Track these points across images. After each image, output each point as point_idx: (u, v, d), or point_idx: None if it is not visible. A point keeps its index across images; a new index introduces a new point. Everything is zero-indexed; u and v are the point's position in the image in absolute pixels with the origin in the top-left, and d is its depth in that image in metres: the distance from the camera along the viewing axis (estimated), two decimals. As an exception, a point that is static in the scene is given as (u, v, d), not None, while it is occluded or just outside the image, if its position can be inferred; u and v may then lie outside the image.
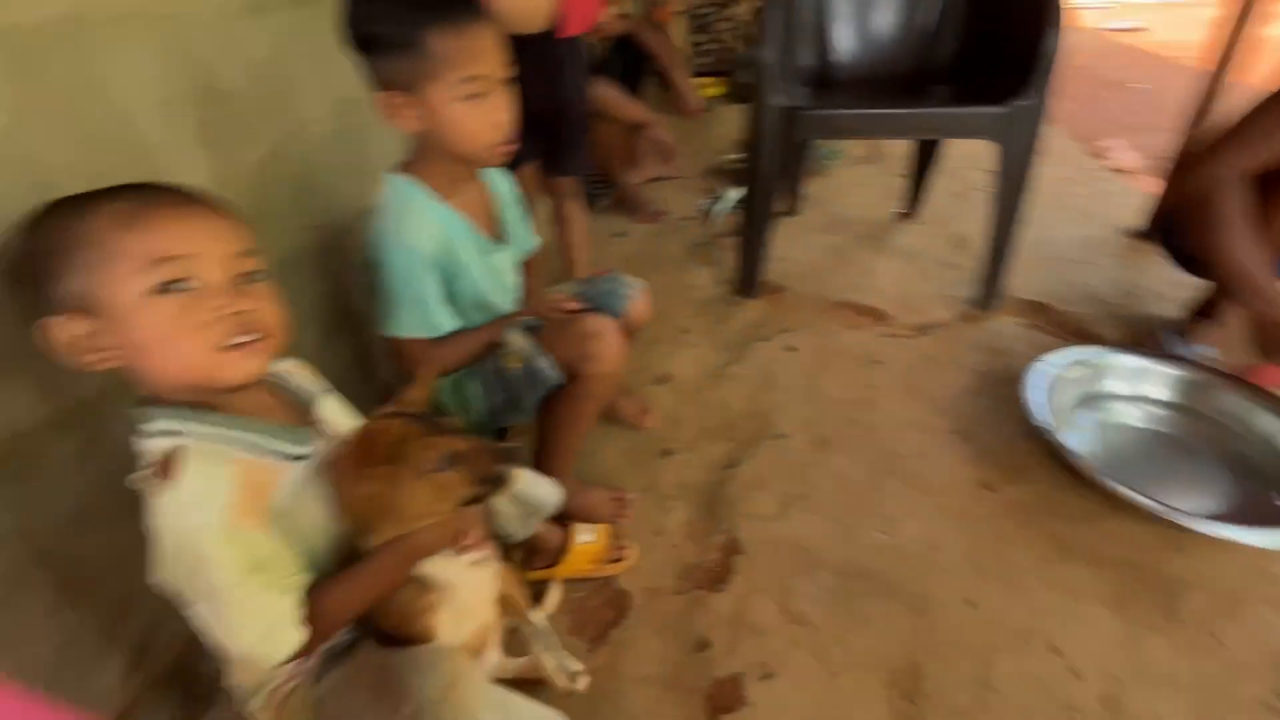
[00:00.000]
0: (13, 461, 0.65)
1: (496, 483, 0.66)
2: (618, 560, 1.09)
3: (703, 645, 0.97)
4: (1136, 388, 1.33)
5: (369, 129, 1.23)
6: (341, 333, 1.16)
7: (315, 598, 0.60)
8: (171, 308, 0.53)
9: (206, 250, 0.55)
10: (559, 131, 1.42)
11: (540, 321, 1.03)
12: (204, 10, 0.85)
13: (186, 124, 0.83)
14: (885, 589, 1.03)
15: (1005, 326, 1.63)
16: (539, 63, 1.33)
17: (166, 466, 0.53)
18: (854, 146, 2.73)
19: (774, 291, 1.83)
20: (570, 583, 1.06)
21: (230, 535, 0.53)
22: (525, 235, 1.12)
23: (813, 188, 2.41)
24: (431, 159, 0.90)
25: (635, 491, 1.22)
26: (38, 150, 0.66)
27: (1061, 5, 1.35)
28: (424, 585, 0.68)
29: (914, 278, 1.85)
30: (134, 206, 0.53)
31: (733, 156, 2.55)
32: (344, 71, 1.15)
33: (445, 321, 0.95)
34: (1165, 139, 1.96)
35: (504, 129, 0.88)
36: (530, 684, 0.88)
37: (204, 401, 0.58)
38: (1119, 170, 2.83)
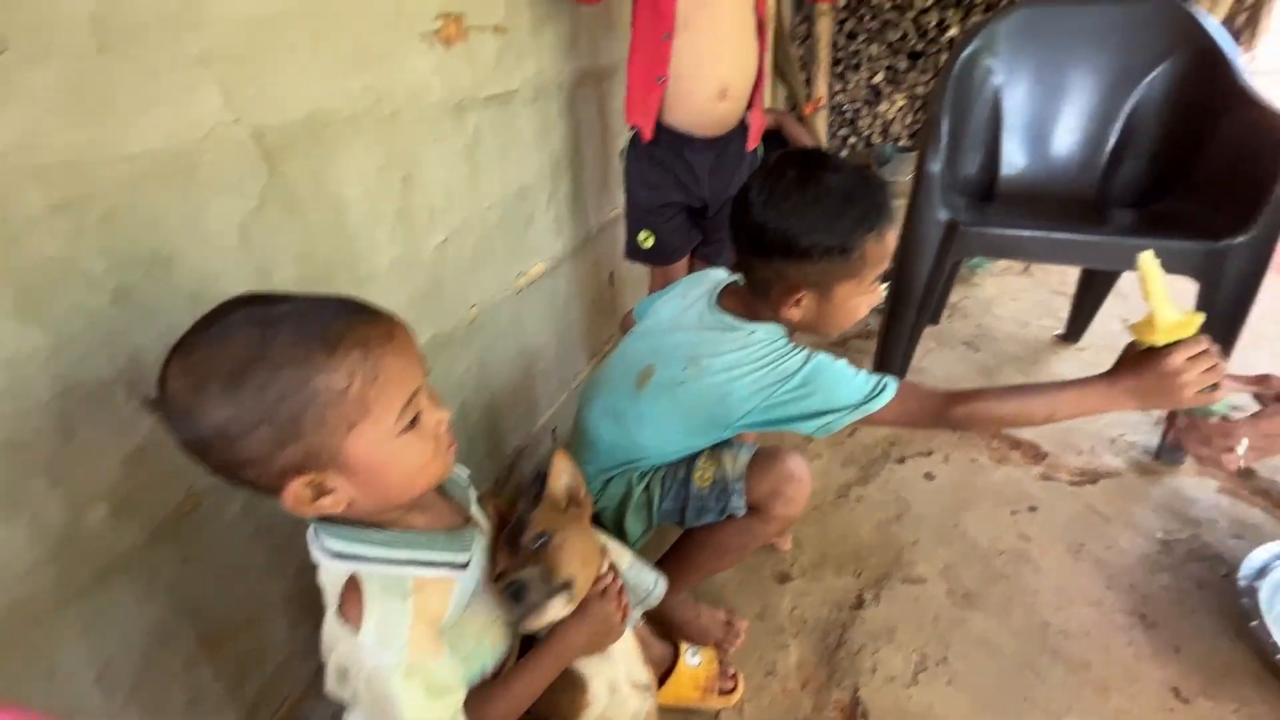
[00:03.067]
0: (188, 517, 0.69)
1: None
2: (726, 692, 0.99)
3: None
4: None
5: (533, 215, 1.30)
6: (475, 408, 1.18)
7: (477, 708, 0.61)
8: (411, 442, 0.55)
9: (421, 377, 0.57)
10: (722, 225, 1.47)
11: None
12: (418, 110, 0.92)
13: (386, 211, 0.89)
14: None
15: (1193, 487, 1.40)
16: (726, 165, 1.41)
17: (351, 607, 0.55)
18: (1005, 255, 2.56)
19: (910, 407, 1.70)
20: (667, 711, 0.97)
21: (411, 670, 0.55)
22: None
23: (958, 295, 2.27)
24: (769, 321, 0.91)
25: (748, 618, 1.12)
26: (268, 234, 0.72)
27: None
28: (579, 682, 0.69)
29: (1076, 412, 1.66)
30: (367, 355, 0.51)
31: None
32: (522, 161, 1.23)
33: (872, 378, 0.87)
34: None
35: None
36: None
37: (379, 519, 0.59)
38: (1330, 310, 2.45)
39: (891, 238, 0.84)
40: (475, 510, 0.71)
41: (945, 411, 0.83)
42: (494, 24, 1.07)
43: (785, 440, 1.14)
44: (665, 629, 1.06)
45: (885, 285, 2.13)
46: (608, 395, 1.00)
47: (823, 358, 0.86)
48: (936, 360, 1.91)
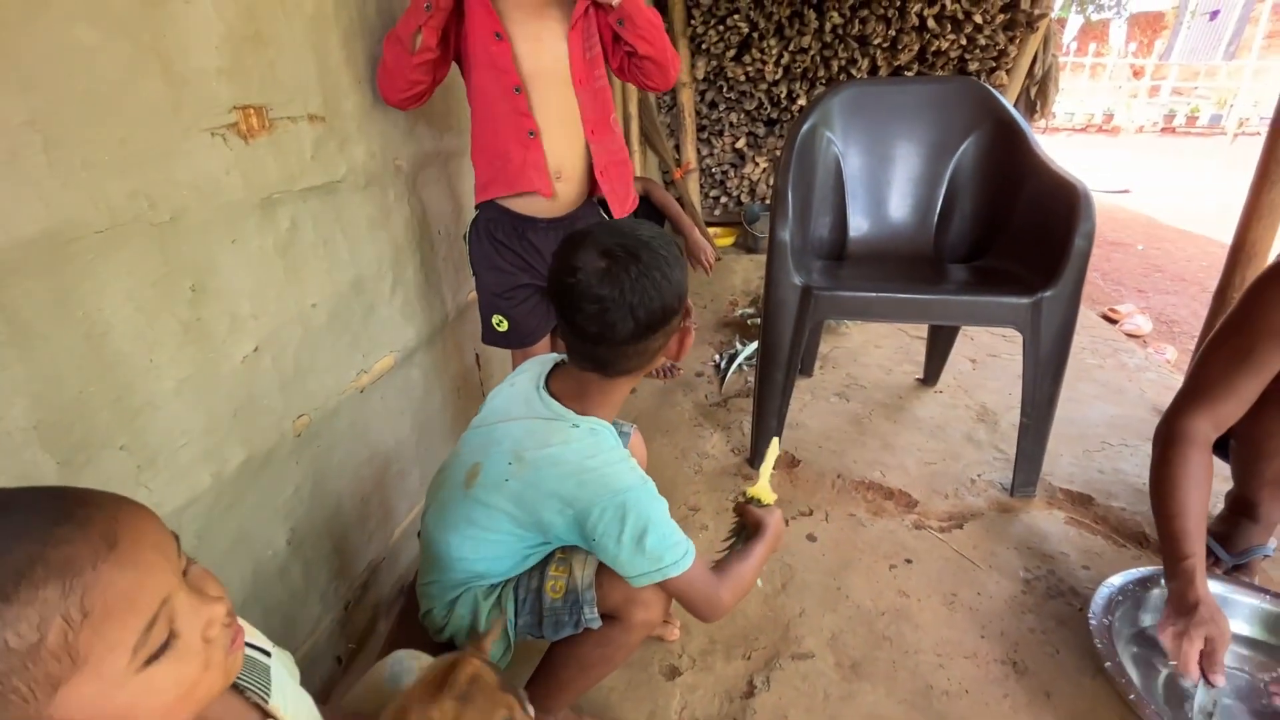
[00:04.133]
0: None
1: None
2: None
3: None
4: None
5: (374, 307, 1.20)
6: (311, 532, 1.04)
7: None
8: (163, 671, 0.42)
9: (170, 578, 0.44)
10: None
11: None
12: (208, 211, 0.82)
13: (169, 328, 0.77)
14: None
15: (1045, 521, 1.49)
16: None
17: None
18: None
19: (790, 465, 1.72)
20: None
21: None
22: None
23: (828, 346, 2.37)
24: (612, 402, 0.89)
25: (634, 728, 1.04)
26: (-20, 377, 0.59)
27: (1091, 198, 1.35)
28: None
29: (940, 455, 1.74)
30: (69, 587, 0.38)
31: (749, 311, 2.54)
32: (355, 251, 1.14)
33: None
34: (1172, 302, 1.91)
35: None
36: None
37: None
38: (1134, 336, 2.80)
39: None
40: (278, 700, 0.58)
41: (717, 591, 0.86)
42: (308, 113, 0.99)
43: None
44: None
45: (754, 345, 2.20)
46: (441, 500, 0.91)
47: (648, 490, 0.81)
48: (812, 413, 1.97)
